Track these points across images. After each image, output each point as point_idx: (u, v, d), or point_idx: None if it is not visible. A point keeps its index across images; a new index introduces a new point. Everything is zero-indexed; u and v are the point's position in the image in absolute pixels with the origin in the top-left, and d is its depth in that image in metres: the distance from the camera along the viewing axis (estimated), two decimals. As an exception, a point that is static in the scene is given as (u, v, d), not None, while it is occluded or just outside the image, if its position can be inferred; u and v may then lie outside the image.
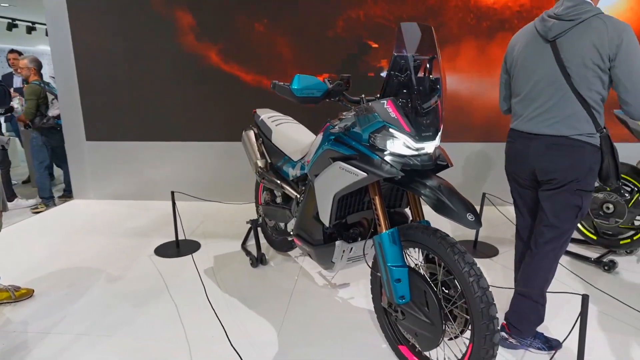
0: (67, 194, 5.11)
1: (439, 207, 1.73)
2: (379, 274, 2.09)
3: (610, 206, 3.03)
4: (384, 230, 1.91)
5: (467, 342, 1.80)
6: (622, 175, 2.97)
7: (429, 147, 1.85)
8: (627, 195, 2.98)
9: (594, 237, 3.17)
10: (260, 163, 2.91)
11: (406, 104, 1.82)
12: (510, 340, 2.15)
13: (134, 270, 3.10)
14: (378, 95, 1.96)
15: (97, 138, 4.74)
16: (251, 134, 3.10)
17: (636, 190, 2.94)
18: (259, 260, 3.11)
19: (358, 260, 2.34)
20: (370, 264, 2.16)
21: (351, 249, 2.24)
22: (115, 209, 4.54)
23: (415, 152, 1.83)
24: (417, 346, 1.96)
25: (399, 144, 1.82)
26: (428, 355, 1.99)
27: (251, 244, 3.44)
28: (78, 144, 4.77)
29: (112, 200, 4.80)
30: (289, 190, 2.69)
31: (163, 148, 4.67)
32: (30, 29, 10.69)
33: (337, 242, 2.17)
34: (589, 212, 3.13)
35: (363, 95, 1.97)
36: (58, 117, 4.75)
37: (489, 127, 4.33)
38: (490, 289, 1.69)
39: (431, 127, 1.83)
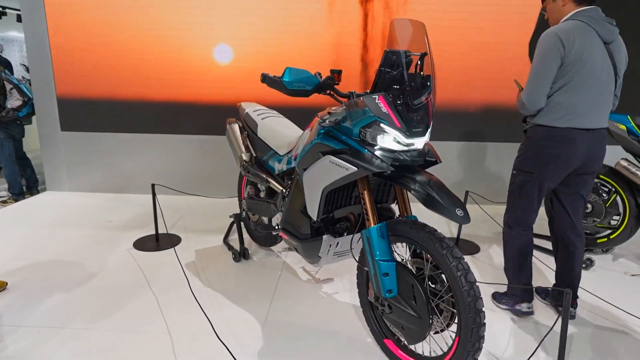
0: (31, 190, 4.94)
1: (429, 202, 1.74)
2: (366, 268, 2.09)
3: (589, 206, 3.12)
4: (372, 225, 1.92)
5: (453, 335, 1.82)
6: (601, 176, 3.06)
7: (419, 143, 1.86)
8: (605, 195, 3.07)
9: (571, 236, 3.26)
10: (245, 157, 2.87)
11: (397, 100, 1.83)
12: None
13: (112, 263, 3.03)
14: (368, 91, 1.97)
15: (73, 128, 4.60)
16: (236, 127, 3.06)
17: (614, 190, 3.03)
18: (241, 254, 3.08)
19: (344, 254, 2.34)
20: (357, 259, 2.17)
21: (337, 243, 2.24)
22: (91, 201, 4.42)
23: (405, 148, 1.84)
24: (403, 340, 1.97)
25: (389, 139, 1.82)
26: (413, 348, 2.01)
27: (233, 238, 3.41)
28: (52, 134, 4.62)
29: (87, 193, 4.67)
30: (275, 184, 2.66)
31: (142, 140, 4.57)
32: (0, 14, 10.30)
33: (324, 237, 2.16)
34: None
35: (353, 90, 1.98)
36: (18, 108, 4.51)
37: (471, 127, 4.40)
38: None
39: (421, 123, 1.85)
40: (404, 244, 1.99)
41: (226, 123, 3.13)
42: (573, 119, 2.13)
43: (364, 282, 2.19)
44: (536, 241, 3.38)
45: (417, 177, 1.81)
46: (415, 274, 1.86)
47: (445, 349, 1.89)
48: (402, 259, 1.99)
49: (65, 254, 3.15)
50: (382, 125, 1.81)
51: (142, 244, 3.33)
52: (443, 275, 1.84)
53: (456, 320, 1.79)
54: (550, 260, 3.10)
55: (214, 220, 3.82)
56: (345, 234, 2.28)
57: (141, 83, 4.43)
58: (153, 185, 3.32)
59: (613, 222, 3.11)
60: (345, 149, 1.90)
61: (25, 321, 2.31)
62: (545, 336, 1.95)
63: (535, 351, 1.90)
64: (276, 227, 2.65)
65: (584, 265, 3.01)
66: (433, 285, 1.88)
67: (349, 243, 2.27)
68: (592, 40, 2.10)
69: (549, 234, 2.53)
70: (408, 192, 2.11)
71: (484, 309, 1.70)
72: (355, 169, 1.83)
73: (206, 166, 4.57)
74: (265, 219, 3.10)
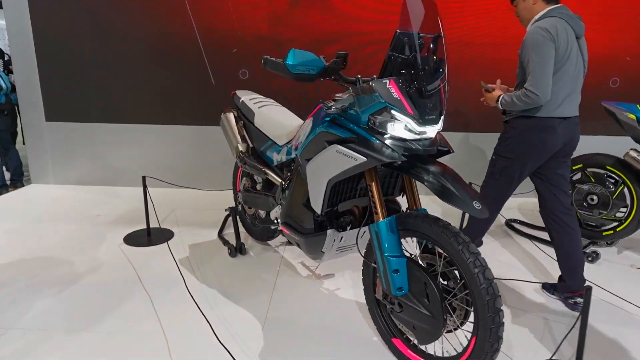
0: (15, 183, 4.74)
1: (444, 194, 1.64)
2: (373, 264, 1.99)
3: (595, 198, 3.04)
4: (381, 219, 1.81)
5: (468, 335, 1.73)
6: (608, 167, 2.99)
7: (432, 131, 1.75)
8: (611, 187, 3.00)
9: (577, 228, 3.18)
10: (241, 147, 2.74)
11: (409, 85, 1.71)
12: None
13: (102, 260, 2.88)
14: (374, 76, 1.85)
15: (58, 118, 4.41)
16: (231, 116, 2.92)
17: (621, 182, 2.96)
18: (237, 249, 2.95)
19: (347, 250, 2.23)
20: (362, 253, 2.05)
21: (342, 238, 2.13)
22: (78, 194, 4.25)
23: (418, 136, 1.73)
24: (415, 340, 1.86)
25: (400, 127, 1.71)
26: (424, 348, 1.91)
27: (228, 232, 3.28)
28: (37, 124, 4.42)
29: (74, 186, 4.49)
30: (273, 176, 2.54)
31: (131, 131, 4.39)
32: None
33: (329, 231, 2.05)
34: (574, 204, 3.15)
35: (359, 75, 1.85)
36: None
37: (472, 117, 4.30)
38: (495, 280, 1.61)
39: (434, 110, 1.74)
40: (413, 238, 1.88)
41: (221, 112, 2.98)
42: (553, 109, 2.29)
43: (370, 278, 2.08)
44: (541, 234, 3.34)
45: (430, 168, 1.70)
46: (427, 270, 1.76)
47: (459, 349, 1.79)
48: (411, 255, 1.89)
49: (52, 251, 3.00)
50: (393, 112, 1.69)
51: (133, 239, 3.18)
52: (456, 272, 1.74)
53: (470, 319, 1.70)
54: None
55: (208, 214, 3.69)
56: (349, 228, 2.17)
57: (131, 70, 4.25)
58: (144, 177, 3.17)
59: (619, 215, 3.04)
60: (353, 137, 1.78)
61: (10, 323, 2.17)
62: (566, 335, 1.85)
63: (556, 351, 1.81)
64: (275, 221, 2.52)
65: (589, 259, 2.94)
66: (445, 282, 1.78)
67: (354, 237, 2.16)
68: (570, 35, 2.26)
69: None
70: (417, 184, 2.01)
71: (502, 307, 1.60)
72: (365, 159, 1.71)
73: (199, 158, 4.41)
74: (262, 213, 2.97)
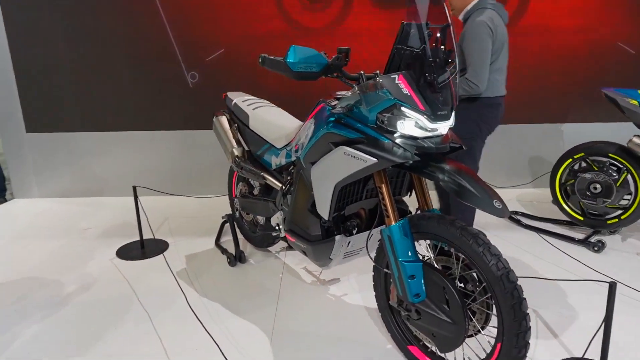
0: None
1: (461, 194, 1.55)
2: (386, 270, 1.90)
3: (598, 186, 3.00)
4: (393, 222, 1.71)
5: (489, 339, 1.65)
6: (611, 155, 2.94)
7: (443, 127, 1.66)
8: (615, 174, 2.96)
9: (581, 218, 3.14)
10: (237, 152, 2.62)
11: (419, 80, 1.62)
12: None
13: (94, 276, 2.74)
14: (378, 72, 1.75)
15: (39, 129, 4.21)
16: (224, 119, 2.80)
17: (624, 169, 2.92)
18: (237, 258, 2.83)
19: (354, 254, 2.14)
20: (372, 258, 1.96)
21: (349, 242, 2.03)
22: (64, 207, 4.07)
23: (429, 134, 1.64)
24: (435, 347, 1.78)
25: (411, 125, 1.61)
26: (443, 356, 1.82)
27: (225, 240, 3.15)
28: (17, 136, 4.22)
29: (59, 198, 4.31)
30: (272, 180, 2.43)
31: (115, 139, 4.21)
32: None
33: (337, 237, 1.95)
34: (577, 193, 3.10)
35: (362, 72, 1.75)
36: None
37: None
38: (518, 281, 1.53)
39: (446, 105, 1.64)
40: (427, 241, 1.79)
41: (213, 116, 2.86)
42: (497, 89, 2.63)
43: (381, 284, 1.99)
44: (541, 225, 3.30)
45: (445, 167, 1.61)
46: (443, 274, 1.67)
47: (480, 353, 1.71)
48: (424, 258, 1.79)
49: (39, 269, 2.84)
50: (403, 108, 1.60)
51: (125, 252, 3.04)
52: (474, 274, 1.66)
53: (492, 323, 1.62)
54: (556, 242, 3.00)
55: (203, 222, 3.55)
56: (355, 232, 2.07)
57: (111, 77, 4.08)
58: (134, 187, 3.03)
59: (623, 202, 3.00)
60: (362, 138, 1.68)
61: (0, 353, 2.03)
62: (597, 332, 1.78)
63: (587, 350, 1.74)
64: (276, 228, 2.41)
65: (595, 248, 2.89)
66: (462, 285, 1.70)
67: (361, 242, 2.06)
68: (502, 26, 2.56)
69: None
70: (427, 183, 1.92)
71: (528, 310, 1.52)
72: (375, 160, 1.61)
73: (187, 163, 4.26)
74: (261, 219, 2.86)
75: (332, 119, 1.80)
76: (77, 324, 2.24)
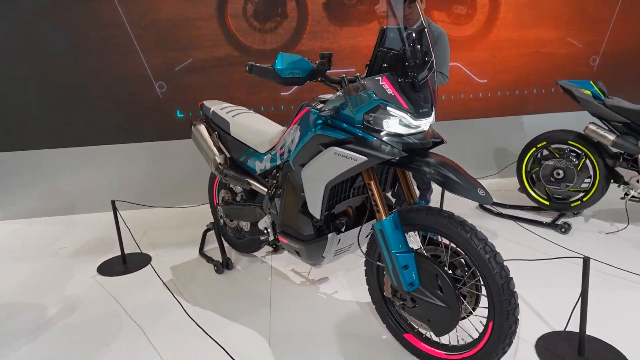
0: None
1: (447, 185, 1.65)
2: (378, 262, 1.98)
3: (561, 172, 3.21)
4: (383, 217, 1.80)
5: (480, 319, 1.76)
6: (570, 142, 3.16)
7: (425, 124, 1.76)
8: (575, 160, 3.18)
9: (547, 203, 3.35)
10: (219, 159, 2.63)
11: (400, 80, 1.72)
12: None
13: (77, 296, 2.67)
14: (358, 75, 1.83)
15: (1, 148, 4.05)
16: (202, 128, 2.80)
17: (583, 154, 3.14)
18: (224, 265, 2.84)
19: (344, 252, 2.21)
20: (364, 252, 2.04)
21: (339, 240, 2.10)
22: (34, 228, 3.93)
23: (413, 131, 1.73)
24: (429, 332, 1.87)
25: (395, 123, 1.71)
26: (438, 340, 1.92)
27: (208, 249, 3.15)
28: (-23, 157, 4.04)
29: (27, 219, 4.14)
30: (257, 185, 2.46)
31: (82, 154, 4.09)
32: None
33: (330, 235, 2.01)
34: (542, 180, 3.30)
35: (344, 75, 1.83)
36: None
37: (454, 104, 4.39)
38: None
39: (427, 103, 1.75)
40: (416, 232, 1.89)
41: (190, 125, 2.86)
42: None
43: (374, 277, 2.07)
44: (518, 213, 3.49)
45: (430, 160, 1.71)
46: (435, 262, 1.77)
47: (473, 334, 1.82)
48: (415, 248, 1.89)
49: (16, 294, 2.74)
50: (388, 108, 1.69)
51: (107, 268, 2.98)
52: (462, 260, 1.76)
53: (483, 304, 1.73)
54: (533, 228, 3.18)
55: (182, 232, 3.53)
56: (344, 229, 2.14)
57: (74, 91, 3.97)
58: (113, 201, 2.98)
59: (584, 185, 3.22)
60: (350, 138, 1.75)
61: (-12, 379, 1.96)
62: (575, 305, 1.92)
63: (568, 320, 1.88)
64: (265, 231, 2.45)
65: (562, 230, 3.09)
66: (451, 272, 1.80)
67: (350, 239, 2.14)
68: None
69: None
70: (412, 178, 2.02)
71: (515, 289, 1.64)
72: (365, 158, 1.69)
73: (162, 175, 4.21)
74: (245, 225, 2.88)
75: (320, 121, 1.86)
76: (66, 347, 2.19)
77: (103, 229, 3.68)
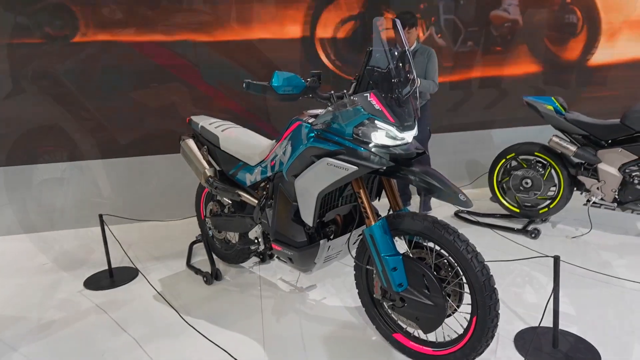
0: None
1: (431, 191, 1.81)
2: (367, 266, 2.10)
3: (529, 181, 3.44)
4: (373, 223, 1.93)
5: (464, 316, 1.90)
6: (536, 153, 3.40)
7: (409, 136, 1.92)
8: (541, 170, 3.42)
9: (517, 210, 3.57)
10: (209, 172, 2.72)
11: (386, 96, 1.87)
12: None
13: (66, 310, 2.67)
14: (345, 91, 1.98)
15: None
16: (191, 142, 2.89)
17: (548, 165, 3.38)
18: (213, 276, 2.90)
19: (333, 258, 2.33)
20: (354, 257, 2.17)
21: (329, 247, 2.21)
22: (14, 245, 3.85)
23: (399, 142, 1.88)
24: (417, 331, 2.00)
25: (382, 136, 1.86)
26: (425, 337, 2.05)
27: (196, 261, 3.21)
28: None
29: (5, 237, 4.06)
30: (247, 197, 2.56)
31: (58, 170, 4.05)
32: None
33: (321, 242, 2.13)
34: (512, 189, 3.53)
35: (332, 92, 1.98)
36: None
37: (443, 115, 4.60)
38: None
39: (410, 117, 1.91)
40: (402, 237, 2.02)
41: (179, 140, 2.94)
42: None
43: (363, 281, 2.19)
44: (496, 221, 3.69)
45: (414, 169, 1.87)
46: (421, 263, 1.91)
47: (458, 330, 1.95)
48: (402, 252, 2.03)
49: (4, 309, 2.71)
50: (376, 122, 1.84)
51: (94, 283, 2.98)
52: (445, 260, 1.91)
53: (466, 301, 1.87)
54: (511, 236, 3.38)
55: (168, 245, 3.56)
56: (333, 236, 2.27)
57: (48, 105, 3.96)
58: (101, 215, 3.00)
59: (550, 193, 3.46)
60: (341, 149, 1.89)
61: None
62: (547, 302, 2.08)
63: (542, 317, 2.04)
64: (256, 241, 2.54)
65: (532, 235, 3.31)
66: (435, 273, 1.94)
67: (339, 245, 2.26)
68: None
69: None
70: (396, 186, 2.17)
71: (495, 285, 1.79)
72: (356, 167, 1.83)
73: (144, 189, 4.23)
74: (233, 236, 2.96)
75: (312, 134, 1.99)
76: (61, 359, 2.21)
77: (84, 244, 3.67)
